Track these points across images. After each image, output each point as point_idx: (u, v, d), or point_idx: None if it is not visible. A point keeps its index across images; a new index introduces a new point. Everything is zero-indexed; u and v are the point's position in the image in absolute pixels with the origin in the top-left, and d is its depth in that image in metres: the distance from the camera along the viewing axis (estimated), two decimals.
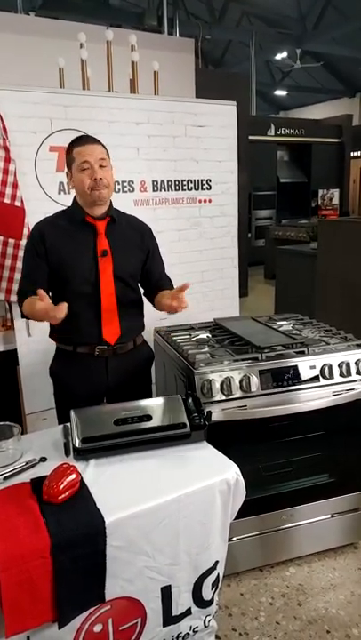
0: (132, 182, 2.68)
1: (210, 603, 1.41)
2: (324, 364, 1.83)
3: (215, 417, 1.68)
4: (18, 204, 2.31)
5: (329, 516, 1.98)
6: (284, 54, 11.30)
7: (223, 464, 1.39)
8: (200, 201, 2.92)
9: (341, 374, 1.85)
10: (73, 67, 2.79)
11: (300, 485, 1.95)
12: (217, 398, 1.71)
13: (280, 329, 2.08)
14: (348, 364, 1.86)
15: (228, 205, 3.02)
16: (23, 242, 2.26)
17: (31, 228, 1.78)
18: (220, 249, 3.02)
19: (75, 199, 1.72)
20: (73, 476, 1.23)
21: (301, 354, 1.85)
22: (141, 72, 2.86)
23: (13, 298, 2.36)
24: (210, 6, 9.71)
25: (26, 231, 2.31)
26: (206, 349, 1.93)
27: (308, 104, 14.74)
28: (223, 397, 1.72)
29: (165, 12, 7.04)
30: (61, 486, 1.20)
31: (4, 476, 1.30)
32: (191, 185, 2.87)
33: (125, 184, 2.66)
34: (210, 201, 2.95)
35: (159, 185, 2.77)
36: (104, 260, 1.67)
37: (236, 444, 1.61)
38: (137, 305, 1.82)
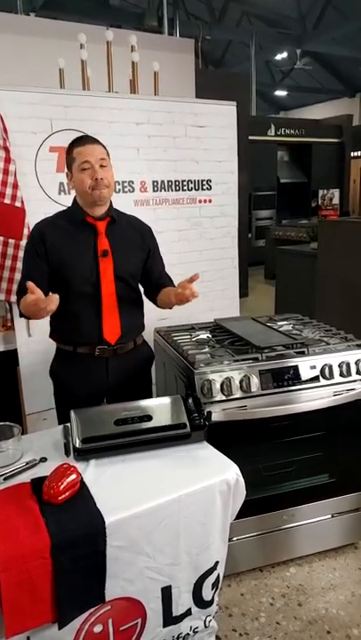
0: (133, 182, 2.68)
1: (210, 603, 1.41)
2: (325, 365, 1.83)
3: (215, 417, 1.68)
4: (18, 204, 2.31)
5: (329, 516, 1.98)
6: (285, 54, 11.31)
7: (223, 464, 1.39)
8: (200, 201, 2.92)
9: (342, 374, 1.85)
10: (73, 67, 2.80)
11: (301, 485, 1.95)
12: (217, 398, 1.71)
13: (280, 329, 2.08)
14: (348, 364, 1.86)
15: (229, 206, 3.02)
16: (23, 242, 2.26)
17: (31, 229, 1.78)
18: (220, 249, 3.02)
19: (75, 199, 1.72)
20: (73, 477, 1.23)
21: (302, 354, 1.85)
22: (141, 72, 2.86)
23: (13, 298, 2.36)
24: (210, 6, 9.71)
25: (26, 231, 2.31)
26: (206, 349, 1.93)
27: (308, 104, 14.74)
28: (223, 397, 1.72)
29: (165, 13, 7.04)
30: (61, 486, 1.20)
31: (4, 476, 1.30)
32: (191, 185, 2.87)
33: (125, 184, 2.66)
34: (210, 201, 2.95)
35: (159, 185, 2.77)
36: (104, 260, 1.67)
37: (236, 444, 1.61)
38: (137, 305, 1.82)
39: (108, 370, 1.74)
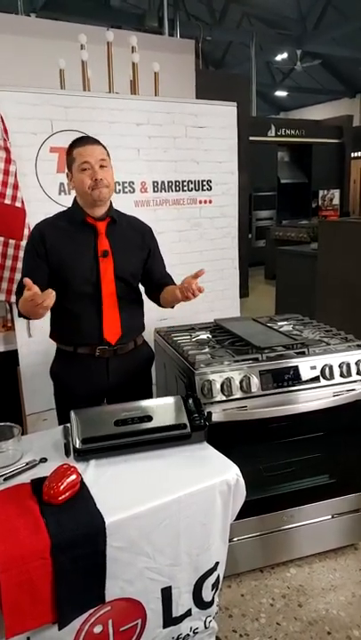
0: (133, 183, 2.68)
1: (210, 604, 1.41)
2: (325, 365, 1.83)
3: (215, 417, 1.68)
4: (18, 204, 2.31)
5: (330, 516, 1.98)
6: (285, 55, 11.32)
7: (223, 465, 1.39)
8: (200, 202, 2.92)
9: (342, 375, 1.85)
10: (73, 68, 2.80)
11: (301, 486, 1.95)
12: (217, 399, 1.71)
13: (280, 329, 2.08)
14: (348, 365, 1.85)
15: (229, 206, 3.02)
16: (24, 243, 2.26)
17: (31, 229, 1.78)
18: (220, 250, 3.02)
19: (75, 200, 1.73)
20: (73, 477, 1.23)
21: (302, 354, 1.85)
22: (142, 73, 2.87)
23: (14, 299, 2.36)
24: (210, 7, 9.72)
25: (26, 232, 2.31)
26: (207, 350, 1.93)
27: (308, 105, 14.75)
28: (224, 398, 1.72)
29: (166, 14, 7.04)
30: (61, 487, 1.20)
31: (4, 476, 1.30)
32: (192, 186, 2.87)
33: (126, 185, 2.66)
34: (210, 202, 2.95)
35: (160, 186, 2.77)
36: (105, 260, 1.68)
37: (236, 444, 1.61)
38: (137, 305, 1.83)
39: (108, 370, 1.74)
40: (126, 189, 2.67)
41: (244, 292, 5.54)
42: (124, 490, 1.26)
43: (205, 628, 1.42)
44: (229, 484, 1.34)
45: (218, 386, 1.71)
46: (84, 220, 1.69)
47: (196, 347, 1.96)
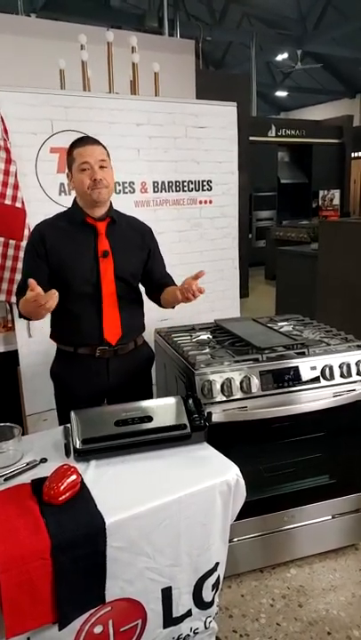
0: (133, 183, 2.68)
1: (210, 604, 1.41)
2: (325, 365, 1.83)
3: (216, 418, 1.68)
4: (19, 205, 2.31)
5: (330, 517, 1.98)
6: (285, 55, 11.32)
7: (224, 465, 1.39)
8: (201, 202, 2.92)
9: (342, 375, 1.85)
10: (73, 68, 2.80)
11: (301, 486, 1.95)
12: (217, 399, 1.71)
13: (281, 330, 2.08)
14: (348, 365, 1.85)
15: (229, 206, 3.02)
16: (24, 243, 2.26)
17: (31, 230, 1.78)
18: (220, 250, 3.02)
19: (75, 200, 1.73)
20: (73, 477, 1.23)
21: (302, 355, 1.85)
22: (142, 73, 2.87)
23: (14, 299, 2.36)
24: (210, 8, 9.73)
25: (26, 232, 2.31)
26: (207, 350, 1.93)
27: (308, 105, 14.75)
28: (224, 398, 1.72)
29: (166, 14, 7.04)
30: (62, 487, 1.20)
31: (4, 477, 1.30)
32: (192, 186, 2.87)
33: (126, 185, 2.66)
34: (210, 202, 2.95)
35: (160, 186, 2.77)
36: (105, 260, 1.68)
37: (236, 445, 1.61)
38: (138, 305, 1.83)
39: (108, 370, 1.74)
40: (126, 190, 2.67)
41: (244, 292, 5.54)
42: (124, 490, 1.26)
43: (206, 628, 1.42)
44: (230, 484, 1.34)
45: (218, 386, 1.71)
46: (83, 221, 1.69)
47: (197, 347, 1.96)
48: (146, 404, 1.56)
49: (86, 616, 1.18)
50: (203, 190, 2.91)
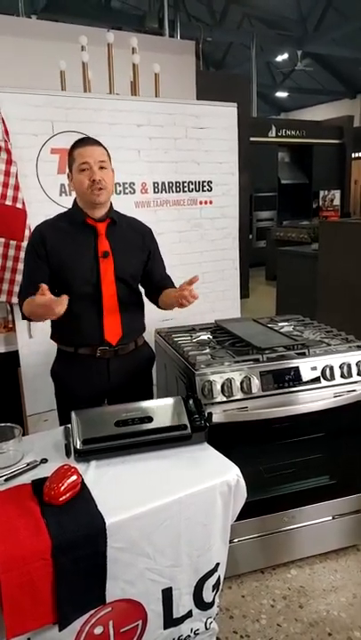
0: (133, 184, 2.69)
1: (211, 605, 1.41)
2: (326, 366, 1.83)
3: (216, 418, 1.68)
4: (19, 205, 2.32)
5: (330, 517, 1.98)
6: (285, 56, 11.32)
7: (224, 466, 1.39)
8: (201, 202, 2.92)
9: (343, 375, 1.85)
10: (74, 69, 2.80)
11: (302, 487, 1.95)
12: (218, 400, 1.71)
13: (281, 330, 2.08)
14: (349, 366, 1.85)
15: (229, 207, 3.02)
16: (24, 244, 2.27)
17: (32, 230, 1.79)
18: (220, 250, 3.02)
19: (75, 201, 1.73)
20: (74, 478, 1.23)
21: (302, 355, 1.85)
22: (142, 74, 2.87)
23: (15, 299, 2.36)
24: (211, 8, 9.74)
25: (27, 233, 2.31)
26: (207, 351, 1.93)
27: (308, 105, 14.75)
28: (224, 399, 1.72)
29: (166, 15, 7.04)
30: (62, 488, 1.20)
31: (4, 477, 1.30)
32: (192, 186, 2.87)
33: (126, 186, 2.66)
34: (211, 202, 2.95)
35: (160, 187, 2.77)
36: (105, 261, 1.68)
37: (237, 445, 1.61)
38: (138, 306, 1.83)
39: (109, 371, 1.74)
40: (127, 190, 2.67)
41: (244, 292, 5.54)
42: (124, 490, 1.26)
43: (206, 629, 1.42)
44: (230, 484, 1.34)
45: (218, 387, 1.71)
46: (84, 222, 1.69)
47: (197, 347, 1.96)
48: (146, 404, 1.56)
49: (87, 617, 1.18)
50: (203, 191, 2.91)
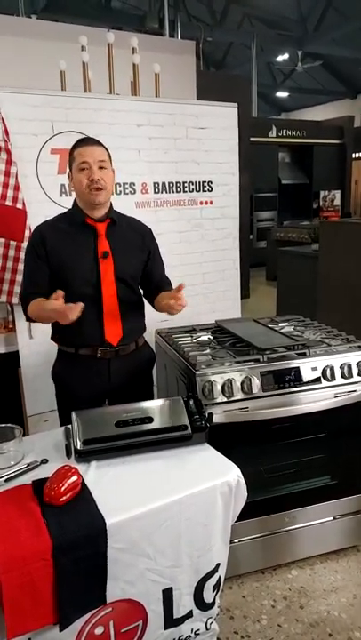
0: (134, 184, 2.69)
1: (211, 605, 1.41)
2: (326, 366, 1.83)
3: (216, 419, 1.68)
4: (19, 206, 2.32)
5: (331, 518, 1.98)
6: (286, 56, 11.32)
7: (224, 466, 1.39)
8: (201, 203, 2.92)
9: (343, 376, 1.85)
10: (74, 69, 2.80)
11: (302, 487, 1.95)
12: (218, 400, 1.71)
13: (282, 330, 2.08)
14: (349, 366, 1.85)
15: (230, 207, 3.02)
16: (25, 244, 2.27)
17: (32, 231, 1.79)
18: (221, 250, 3.02)
19: (75, 201, 1.73)
20: (74, 478, 1.23)
21: (303, 355, 1.84)
22: (142, 74, 2.87)
23: (15, 300, 2.36)
24: (211, 8, 9.74)
25: (27, 233, 2.31)
26: (208, 351, 1.93)
27: (309, 105, 14.74)
28: (224, 399, 1.71)
29: (167, 15, 7.04)
30: (62, 488, 1.20)
31: (5, 477, 1.30)
32: (192, 187, 2.87)
33: (127, 186, 2.66)
34: (211, 203, 2.95)
35: (160, 187, 2.77)
36: (105, 261, 1.68)
37: (237, 445, 1.61)
38: (138, 306, 1.83)
39: (109, 371, 1.74)
40: (127, 190, 2.67)
41: (245, 292, 5.53)
42: (125, 491, 1.26)
43: (207, 629, 1.42)
44: (230, 485, 1.34)
45: (219, 387, 1.71)
46: (84, 222, 1.69)
47: (197, 348, 1.96)
48: (147, 404, 1.56)
49: (87, 617, 1.18)
50: (203, 191, 2.91)
